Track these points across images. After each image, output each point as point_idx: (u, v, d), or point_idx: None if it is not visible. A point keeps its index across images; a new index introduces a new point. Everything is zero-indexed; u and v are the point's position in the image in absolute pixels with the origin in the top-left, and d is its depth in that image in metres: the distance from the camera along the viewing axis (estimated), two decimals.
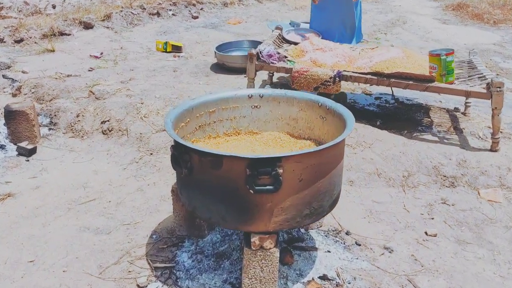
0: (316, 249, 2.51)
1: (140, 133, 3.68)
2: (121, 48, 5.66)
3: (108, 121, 3.84)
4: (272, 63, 3.80)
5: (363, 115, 3.94)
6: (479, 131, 3.71)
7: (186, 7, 7.43)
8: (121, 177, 3.25)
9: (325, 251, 2.50)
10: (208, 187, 2.01)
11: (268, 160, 1.87)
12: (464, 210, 2.91)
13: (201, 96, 2.53)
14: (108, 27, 6.40)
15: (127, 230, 2.68)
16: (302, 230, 2.62)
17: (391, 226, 2.77)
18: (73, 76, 4.63)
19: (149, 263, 2.40)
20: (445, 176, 3.19)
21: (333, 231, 2.69)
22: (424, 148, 3.41)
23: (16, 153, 3.51)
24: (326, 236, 2.64)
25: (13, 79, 4.58)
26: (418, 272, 2.42)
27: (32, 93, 4.37)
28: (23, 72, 4.71)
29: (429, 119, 3.94)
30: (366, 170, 3.23)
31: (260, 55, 3.82)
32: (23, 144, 3.53)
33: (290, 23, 5.16)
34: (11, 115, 3.56)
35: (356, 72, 3.61)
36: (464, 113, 4.04)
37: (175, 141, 2.05)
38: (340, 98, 4.06)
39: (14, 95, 4.39)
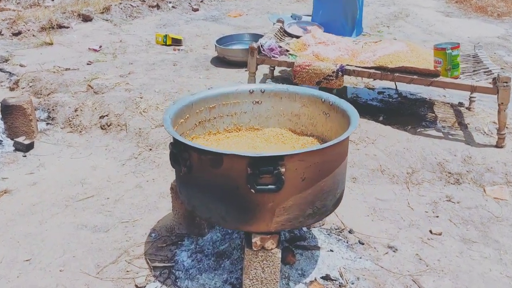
0: (318, 248, 2.45)
1: (139, 128, 3.62)
2: (120, 41, 5.58)
3: (106, 115, 3.77)
4: (274, 57, 3.72)
5: (366, 110, 3.87)
6: (484, 126, 3.65)
7: None
8: (120, 173, 3.20)
9: (328, 250, 2.45)
10: (208, 186, 1.95)
11: (270, 158, 1.81)
12: (470, 208, 2.85)
13: (201, 92, 2.47)
14: (107, 20, 6.32)
15: (125, 228, 2.63)
16: (304, 229, 2.57)
17: (395, 224, 2.71)
18: (71, 69, 4.55)
19: (147, 263, 2.35)
20: (450, 173, 3.13)
21: (335, 229, 2.64)
22: (429, 144, 3.35)
23: (13, 148, 3.45)
24: (328, 234, 2.59)
25: (10, 73, 4.51)
26: (423, 272, 2.36)
27: (30, 87, 4.30)
28: (21, 65, 4.63)
29: (433, 114, 3.87)
30: (369, 167, 3.17)
31: (262, 49, 3.74)
32: (20, 139, 3.47)
33: (291, 16, 5.07)
34: (7, 110, 3.50)
35: (359, 67, 3.53)
36: (468, 108, 3.97)
37: (174, 138, 1.99)
38: (341, 91, 3.98)
39: (11, 89, 4.32)
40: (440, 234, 2.63)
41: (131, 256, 2.40)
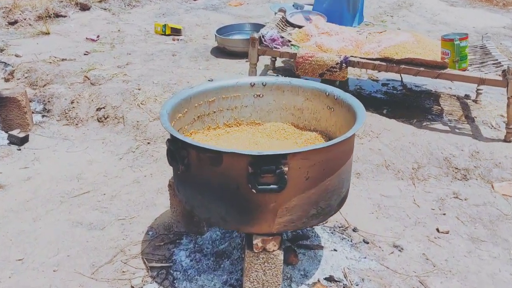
0: (321, 247, 2.36)
1: (137, 121, 3.52)
2: (119, 30, 5.46)
3: (103, 108, 3.67)
4: (275, 47, 3.61)
5: (370, 102, 3.76)
6: (491, 120, 3.55)
7: None
8: (117, 167, 3.10)
9: (331, 250, 2.36)
10: (207, 185, 1.86)
11: (272, 157, 1.71)
12: (478, 205, 2.76)
13: (200, 85, 2.37)
14: (105, 9, 6.18)
15: (122, 226, 2.54)
16: None
17: (401, 222, 2.63)
18: (68, 60, 4.44)
19: (144, 262, 2.27)
20: (457, 169, 3.03)
21: (339, 227, 2.55)
22: (435, 138, 3.25)
23: (7, 141, 3.36)
24: (332, 233, 2.50)
25: (5, 63, 4.39)
26: (430, 272, 2.28)
27: (25, 78, 4.20)
28: (16, 55, 4.52)
29: (439, 107, 3.77)
30: (373, 162, 3.08)
31: (263, 39, 3.63)
32: (15, 132, 3.38)
33: (293, 5, 4.94)
34: (1, 102, 3.40)
35: (364, 58, 3.42)
36: (475, 101, 3.86)
37: (171, 135, 1.89)
38: (343, 83, 3.88)
39: (6, 80, 4.22)
40: (447, 233, 2.55)
41: (127, 255, 2.32)
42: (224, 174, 1.79)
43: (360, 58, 3.42)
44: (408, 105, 3.81)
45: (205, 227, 2.40)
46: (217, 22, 5.77)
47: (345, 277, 2.20)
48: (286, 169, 1.73)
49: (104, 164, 3.14)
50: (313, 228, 2.48)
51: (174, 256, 2.30)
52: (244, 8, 6.68)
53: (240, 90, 2.43)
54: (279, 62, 4.52)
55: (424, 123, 3.47)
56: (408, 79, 4.20)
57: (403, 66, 3.29)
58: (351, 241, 2.45)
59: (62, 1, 6.09)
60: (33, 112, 3.69)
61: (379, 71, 3.56)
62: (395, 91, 4.09)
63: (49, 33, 5.21)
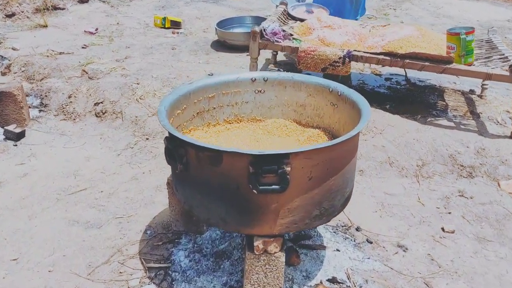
0: (324, 247, 2.30)
1: (136, 116, 3.45)
2: (118, 23, 5.37)
3: (101, 102, 3.60)
4: (277, 41, 3.53)
5: (373, 97, 3.69)
6: (497, 115, 3.48)
7: None
8: (115, 164, 3.04)
9: (334, 250, 2.30)
10: (206, 185, 1.79)
11: (274, 156, 1.64)
12: (484, 203, 2.69)
13: (199, 80, 2.29)
14: (104, 1, 6.09)
15: (119, 224, 2.48)
16: None
17: (405, 221, 2.56)
18: (65, 53, 4.37)
19: (142, 263, 2.21)
20: (462, 166, 2.97)
21: (342, 226, 2.49)
22: (440, 134, 3.18)
23: (3, 137, 3.29)
24: (335, 232, 2.44)
25: (2, 57, 4.31)
26: (436, 274, 2.22)
27: (22, 71, 4.12)
28: (13, 49, 4.44)
29: (444, 103, 3.70)
30: (377, 159, 3.01)
31: (264, 33, 3.55)
32: (11, 127, 3.31)
33: None
34: None
35: (367, 52, 3.34)
36: (480, 96, 3.79)
37: (169, 132, 1.83)
38: (346, 78, 3.80)
39: (3, 74, 4.14)
40: (452, 232, 2.49)
41: (124, 255, 2.26)
42: (224, 174, 1.72)
43: (364, 52, 3.35)
44: (412, 100, 3.73)
45: (204, 227, 2.34)
46: (218, 15, 5.69)
47: (348, 279, 2.14)
48: (288, 169, 1.66)
49: (102, 160, 3.08)
50: (316, 228, 2.42)
51: (172, 256, 2.24)
52: (245, 0, 6.58)
53: (240, 86, 2.36)
54: (280, 56, 4.44)
55: (429, 119, 3.40)
56: (412, 73, 4.12)
57: (407, 60, 3.21)
58: (354, 240, 2.39)
59: None
60: (29, 107, 3.62)
61: (383, 66, 3.48)
62: (398, 86, 4.02)
63: (46, 26, 5.13)
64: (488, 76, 3.09)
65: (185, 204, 1.93)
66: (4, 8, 5.48)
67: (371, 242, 2.39)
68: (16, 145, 3.22)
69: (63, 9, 5.74)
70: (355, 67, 4.24)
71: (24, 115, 3.41)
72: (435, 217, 2.60)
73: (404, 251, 2.35)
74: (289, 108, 2.39)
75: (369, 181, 2.87)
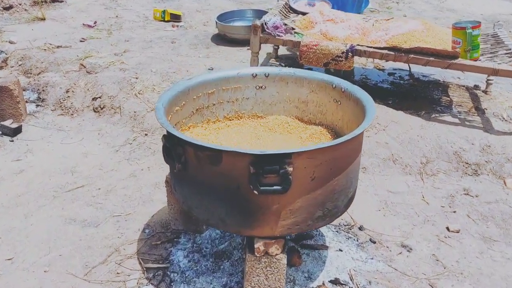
0: (326, 247, 2.25)
1: (134, 112, 3.39)
2: (117, 16, 5.29)
3: (100, 97, 3.54)
4: (278, 35, 3.46)
5: (376, 93, 3.62)
6: (502, 112, 3.41)
7: None
8: (113, 160, 2.98)
9: (337, 250, 2.25)
10: (205, 185, 1.73)
11: (276, 156, 1.59)
12: (489, 202, 2.64)
13: (199, 76, 2.23)
14: None
15: (117, 223, 2.43)
16: None
17: (409, 220, 2.51)
18: (63, 47, 4.29)
19: (140, 263, 2.15)
20: (467, 163, 2.91)
21: (345, 225, 2.44)
22: (444, 131, 3.11)
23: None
24: (337, 231, 2.39)
25: None
26: (440, 275, 2.17)
27: (19, 65, 4.06)
28: (10, 42, 4.37)
29: (448, 98, 3.63)
30: (380, 156, 2.95)
31: (265, 27, 3.48)
32: (7, 123, 3.25)
33: None
34: None
35: (370, 47, 3.27)
36: (485, 91, 3.72)
37: (167, 130, 1.77)
38: (348, 73, 3.73)
39: (0, 68, 4.08)
40: (458, 232, 2.43)
41: (122, 255, 2.21)
42: (224, 174, 1.66)
43: (367, 47, 3.27)
44: (416, 96, 3.66)
45: (204, 226, 2.29)
46: (218, 8, 5.61)
47: (351, 280, 2.09)
48: (290, 169, 1.60)
49: (100, 156, 3.02)
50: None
51: (171, 256, 2.18)
52: None
53: (241, 81, 2.29)
54: (282, 50, 4.37)
55: (433, 115, 3.33)
56: (416, 68, 4.05)
57: (412, 55, 3.14)
58: (357, 240, 2.34)
59: None
60: (26, 102, 3.56)
61: (386, 61, 3.41)
62: (402, 81, 3.95)
63: (44, 19, 5.05)
64: (495, 72, 3.02)
65: (184, 204, 1.88)
66: (2, 1, 5.40)
67: (374, 242, 2.33)
68: (12, 141, 3.16)
69: (61, 1, 5.66)
70: (358, 62, 4.17)
71: (20, 110, 3.35)
72: (440, 216, 2.54)
73: (408, 251, 2.29)
74: (291, 105, 2.33)
75: (372, 178, 2.81)
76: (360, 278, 2.10)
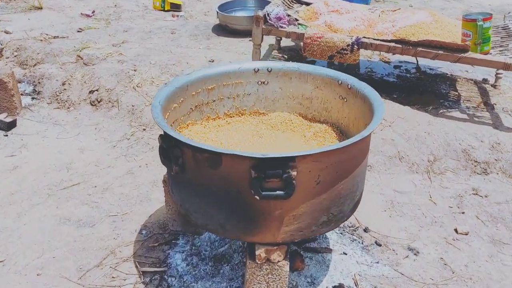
0: (330, 250, 2.16)
1: (132, 105, 3.29)
2: (115, 5, 5.17)
3: (97, 90, 3.43)
4: (281, 27, 3.34)
5: (381, 86, 3.51)
6: None
7: None
8: (110, 156, 2.89)
9: (341, 253, 2.16)
10: (204, 189, 1.64)
11: (279, 160, 1.49)
12: (499, 203, 2.54)
13: (198, 71, 2.13)
14: None
15: (113, 223, 2.34)
16: None
17: (416, 221, 2.42)
18: (60, 37, 4.18)
19: (136, 266, 2.07)
20: (476, 162, 2.81)
21: (349, 227, 2.35)
22: (452, 127, 3.01)
23: None
24: (341, 233, 2.30)
25: None
26: (449, 280, 2.08)
27: (15, 56, 3.95)
28: (6, 32, 4.26)
29: (456, 93, 3.52)
30: (386, 153, 2.85)
31: (268, 18, 3.36)
32: (1, 116, 3.16)
33: None
34: None
35: (377, 39, 3.16)
36: (494, 85, 3.60)
37: (164, 131, 1.67)
38: (353, 65, 3.61)
39: None
40: (466, 234, 2.34)
41: (118, 258, 2.12)
42: (224, 177, 1.57)
43: (373, 39, 3.16)
44: (423, 90, 3.55)
45: None
46: None
47: (356, 285, 2.01)
48: (294, 173, 1.50)
49: (96, 152, 2.93)
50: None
51: (169, 259, 2.10)
52: None
53: (242, 76, 2.19)
54: (285, 41, 4.25)
55: (440, 111, 3.23)
56: (423, 61, 3.93)
57: (420, 48, 3.02)
58: (362, 243, 2.25)
59: None
60: (22, 94, 3.46)
61: (393, 54, 3.29)
62: (408, 75, 3.83)
63: (41, 8, 4.93)
64: (507, 66, 2.91)
65: (181, 207, 1.79)
66: None
67: (380, 245, 2.24)
68: (6, 135, 3.07)
69: None
70: (363, 54, 4.05)
71: (15, 103, 3.26)
72: (448, 217, 2.45)
73: (415, 254, 2.21)
74: (294, 101, 2.23)
75: (378, 177, 2.72)
76: (365, 284, 2.02)
